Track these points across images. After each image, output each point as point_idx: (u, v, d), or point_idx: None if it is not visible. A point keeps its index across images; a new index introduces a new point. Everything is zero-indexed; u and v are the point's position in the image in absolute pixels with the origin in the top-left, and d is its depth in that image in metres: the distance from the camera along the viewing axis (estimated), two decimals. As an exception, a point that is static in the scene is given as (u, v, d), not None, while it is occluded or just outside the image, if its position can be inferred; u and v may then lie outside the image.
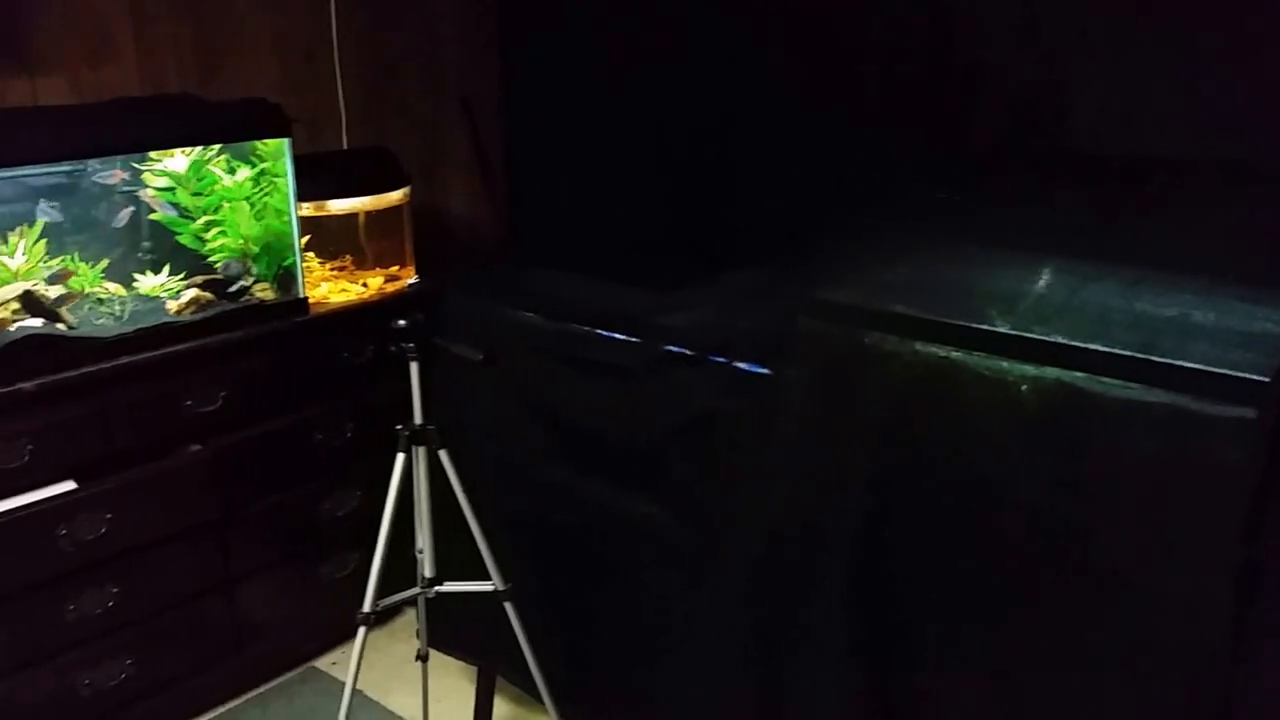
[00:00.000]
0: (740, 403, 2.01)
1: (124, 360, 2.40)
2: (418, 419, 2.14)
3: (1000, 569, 1.65)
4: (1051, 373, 1.55)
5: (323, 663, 2.86)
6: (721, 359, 2.05)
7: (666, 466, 2.18)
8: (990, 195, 2.39)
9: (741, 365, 2.02)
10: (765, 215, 2.93)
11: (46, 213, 2.50)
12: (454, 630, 2.52)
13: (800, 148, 2.94)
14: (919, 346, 1.68)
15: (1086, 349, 1.54)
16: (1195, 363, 1.46)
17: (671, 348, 2.14)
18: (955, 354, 1.65)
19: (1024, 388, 1.58)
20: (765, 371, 1.98)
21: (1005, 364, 1.60)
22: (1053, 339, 1.57)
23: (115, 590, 2.41)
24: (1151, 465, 1.48)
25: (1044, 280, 1.76)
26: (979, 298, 1.71)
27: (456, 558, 2.29)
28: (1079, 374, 1.53)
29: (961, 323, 1.66)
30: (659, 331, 2.18)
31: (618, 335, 2.23)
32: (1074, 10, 2.48)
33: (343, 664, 2.83)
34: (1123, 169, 2.42)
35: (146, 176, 2.62)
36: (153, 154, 2.59)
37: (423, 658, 2.41)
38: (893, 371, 1.72)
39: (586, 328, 2.27)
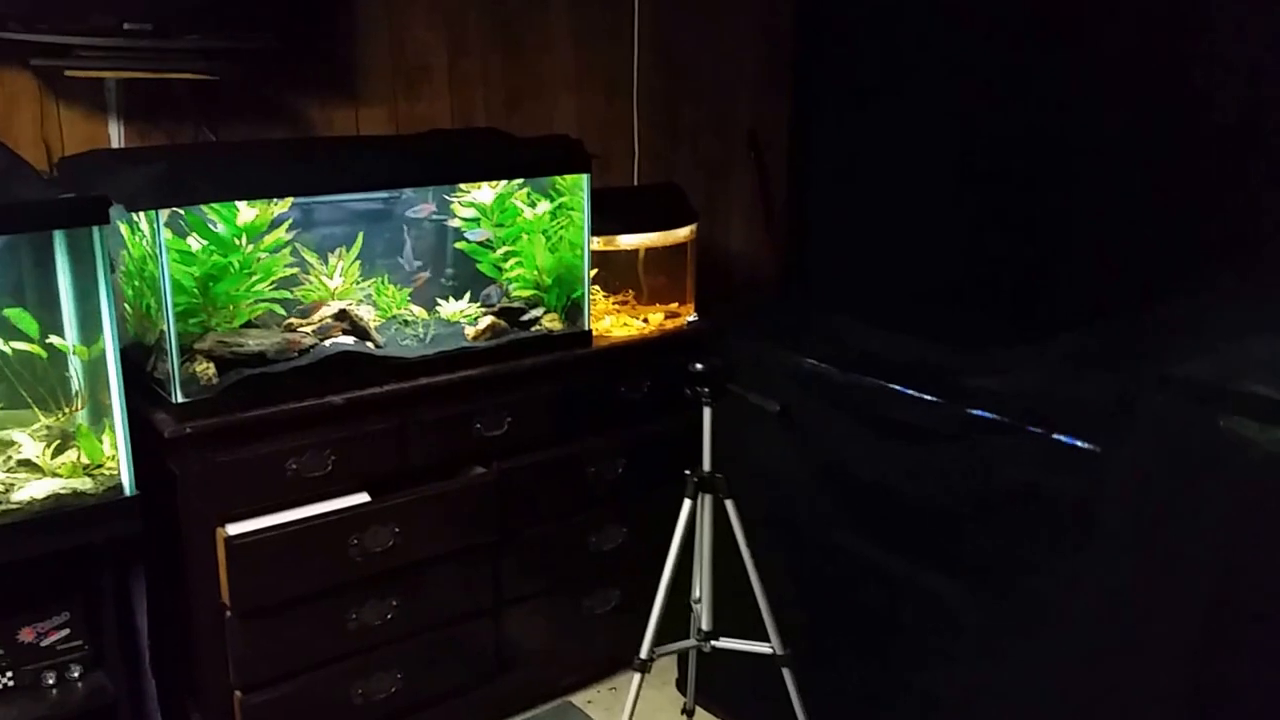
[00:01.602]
0: (1058, 479, 1.84)
1: (423, 381, 2.47)
2: (706, 465, 2.08)
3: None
4: None
5: (578, 699, 2.83)
6: (1038, 429, 1.89)
7: (962, 539, 2.03)
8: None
9: (1062, 438, 1.85)
10: (1086, 271, 2.71)
11: (406, 245, 2.68)
12: (717, 686, 2.44)
13: (1134, 193, 2.69)
14: (1288, 436, 1.48)
15: None
16: None
17: (980, 412, 2.00)
18: (1332, 447, 1.44)
19: None
20: (1090, 447, 1.81)
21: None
22: None
23: (395, 603, 2.47)
24: None
25: None
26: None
27: (728, 611, 2.22)
28: None
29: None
30: (966, 393, 2.04)
31: (919, 394, 2.11)
32: None
33: (598, 703, 2.80)
34: None
35: (454, 207, 2.71)
36: (462, 185, 2.68)
37: (688, 712, 2.35)
38: (1250, 460, 1.53)
39: (884, 382, 2.16)
